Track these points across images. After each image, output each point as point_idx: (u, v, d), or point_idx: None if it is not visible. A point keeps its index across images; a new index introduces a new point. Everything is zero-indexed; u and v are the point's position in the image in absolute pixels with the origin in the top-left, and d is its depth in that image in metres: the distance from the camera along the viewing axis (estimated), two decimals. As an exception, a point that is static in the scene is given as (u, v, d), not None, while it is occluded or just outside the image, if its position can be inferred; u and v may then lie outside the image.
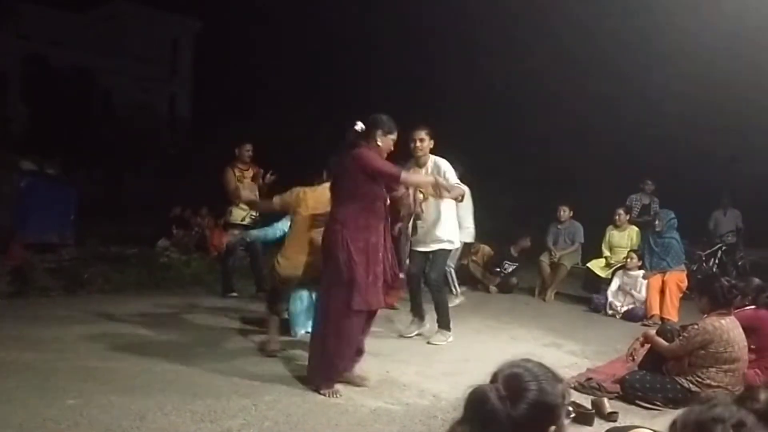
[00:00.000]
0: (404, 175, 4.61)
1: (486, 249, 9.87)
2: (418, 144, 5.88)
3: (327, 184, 5.08)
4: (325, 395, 4.29)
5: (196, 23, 31.10)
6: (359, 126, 4.52)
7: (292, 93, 23.40)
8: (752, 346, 4.65)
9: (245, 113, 22.05)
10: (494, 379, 1.79)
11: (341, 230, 4.36)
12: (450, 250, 6.40)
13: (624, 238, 9.19)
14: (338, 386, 4.41)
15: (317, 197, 5.44)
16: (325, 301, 4.48)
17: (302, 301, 5.88)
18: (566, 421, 1.78)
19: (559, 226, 9.56)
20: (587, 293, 9.22)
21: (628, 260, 8.44)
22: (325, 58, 25.64)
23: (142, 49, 29.03)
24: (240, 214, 7.89)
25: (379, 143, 4.54)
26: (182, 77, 31.16)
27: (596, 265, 9.24)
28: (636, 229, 9.30)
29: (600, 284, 8.92)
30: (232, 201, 7.85)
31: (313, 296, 5.81)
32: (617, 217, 9.26)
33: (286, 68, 25.14)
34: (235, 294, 7.82)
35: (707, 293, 4.52)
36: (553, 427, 1.74)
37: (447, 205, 5.97)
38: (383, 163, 4.49)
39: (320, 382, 4.37)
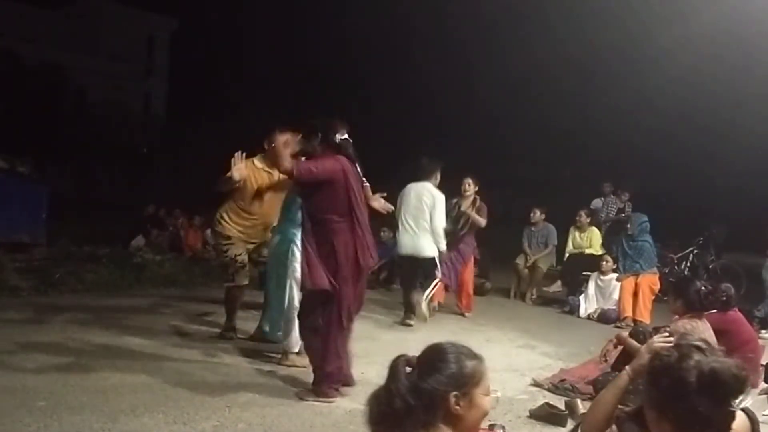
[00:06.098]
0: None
1: None
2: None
3: None
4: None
5: (172, 21, 30.83)
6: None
7: (267, 92, 23.33)
8: (722, 348, 4.69)
9: (220, 112, 21.94)
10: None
11: None
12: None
13: (584, 239, 9.44)
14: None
15: None
16: None
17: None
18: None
19: (532, 228, 9.61)
20: (563, 296, 9.26)
21: (603, 263, 8.52)
22: (302, 57, 25.61)
23: (117, 47, 28.70)
24: None
25: None
26: (157, 76, 30.85)
27: None
28: (596, 232, 9.57)
29: (577, 287, 8.98)
30: None
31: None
32: (578, 218, 9.49)
33: (262, 67, 25.06)
34: None
35: (683, 297, 4.56)
36: (454, 392, 1.81)
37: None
38: None
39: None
